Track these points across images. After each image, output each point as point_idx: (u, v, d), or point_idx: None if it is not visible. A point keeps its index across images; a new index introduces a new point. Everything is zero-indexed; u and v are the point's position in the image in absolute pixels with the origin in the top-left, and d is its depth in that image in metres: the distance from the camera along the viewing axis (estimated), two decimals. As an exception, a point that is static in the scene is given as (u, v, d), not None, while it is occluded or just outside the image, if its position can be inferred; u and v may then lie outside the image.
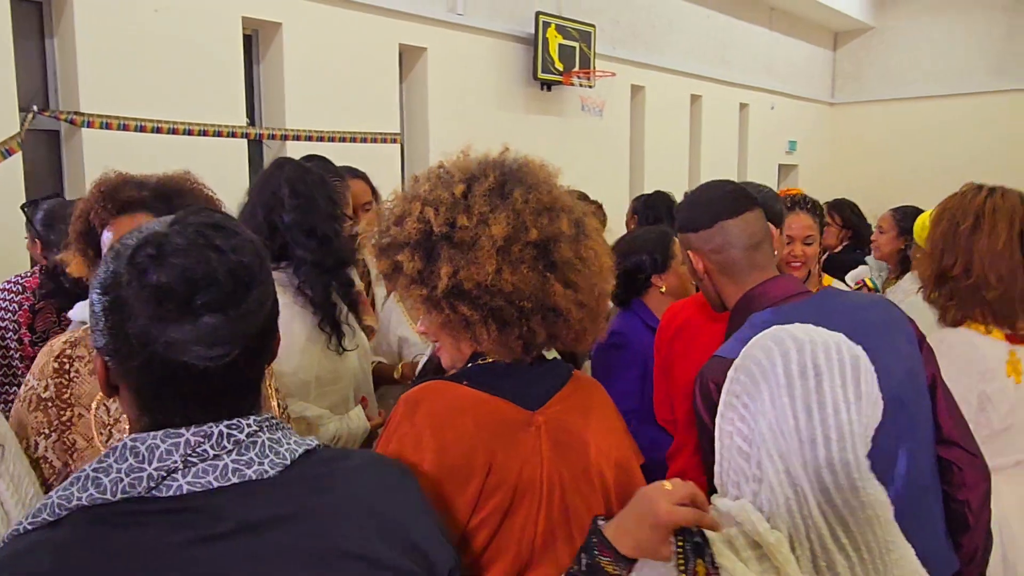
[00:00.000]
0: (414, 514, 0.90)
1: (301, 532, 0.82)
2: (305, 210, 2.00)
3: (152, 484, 0.79)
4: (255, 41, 6.39)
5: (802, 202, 2.56)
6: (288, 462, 0.85)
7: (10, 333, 2.62)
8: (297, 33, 6.31)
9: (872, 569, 0.97)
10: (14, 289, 2.68)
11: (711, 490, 1.09)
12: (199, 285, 0.77)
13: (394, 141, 7.19)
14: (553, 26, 8.52)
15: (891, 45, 15.04)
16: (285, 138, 6.30)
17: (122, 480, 0.79)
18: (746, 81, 12.64)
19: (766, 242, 1.57)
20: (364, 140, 6.83)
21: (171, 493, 0.80)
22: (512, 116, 8.43)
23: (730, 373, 1.09)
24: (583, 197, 4.22)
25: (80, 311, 1.90)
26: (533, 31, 8.36)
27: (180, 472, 0.80)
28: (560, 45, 8.61)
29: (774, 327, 1.10)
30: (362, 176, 2.92)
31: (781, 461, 0.96)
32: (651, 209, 4.13)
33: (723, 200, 1.60)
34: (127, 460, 0.80)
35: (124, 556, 0.76)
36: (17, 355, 2.63)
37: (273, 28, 6.25)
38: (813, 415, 0.95)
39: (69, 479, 0.80)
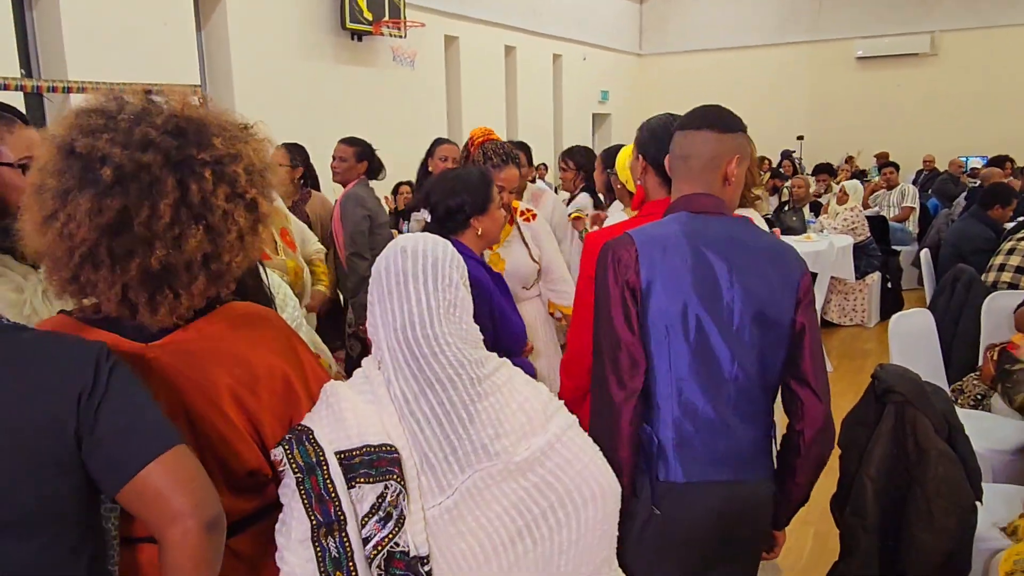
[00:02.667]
0: (66, 368, 1.07)
1: None
2: None
3: None
4: (25, -16, 5.88)
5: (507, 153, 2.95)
6: None
7: None
8: (74, -24, 5.87)
9: (456, 416, 1.30)
10: None
11: None
12: None
13: (194, 92, 6.88)
14: (360, -26, 8.40)
15: (692, 1, 16.00)
16: (68, 91, 5.87)
17: None
18: (559, 33, 13.04)
19: (702, 161, 1.70)
20: (161, 92, 6.49)
21: None
22: (321, 67, 8.29)
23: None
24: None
25: None
26: (339, -21, 8.21)
27: None
28: (368, -6, 8.52)
29: (398, 238, 1.45)
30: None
31: (385, 344, 1.34)
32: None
33: (696, 113, 1.76)
34: None
35: None
36: None
37: (45, -30, 5.78)
38: (402, 307, 1.34)
39: None
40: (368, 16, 8.53)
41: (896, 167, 9.22)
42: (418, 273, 1.35)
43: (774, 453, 1.78)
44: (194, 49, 6.99)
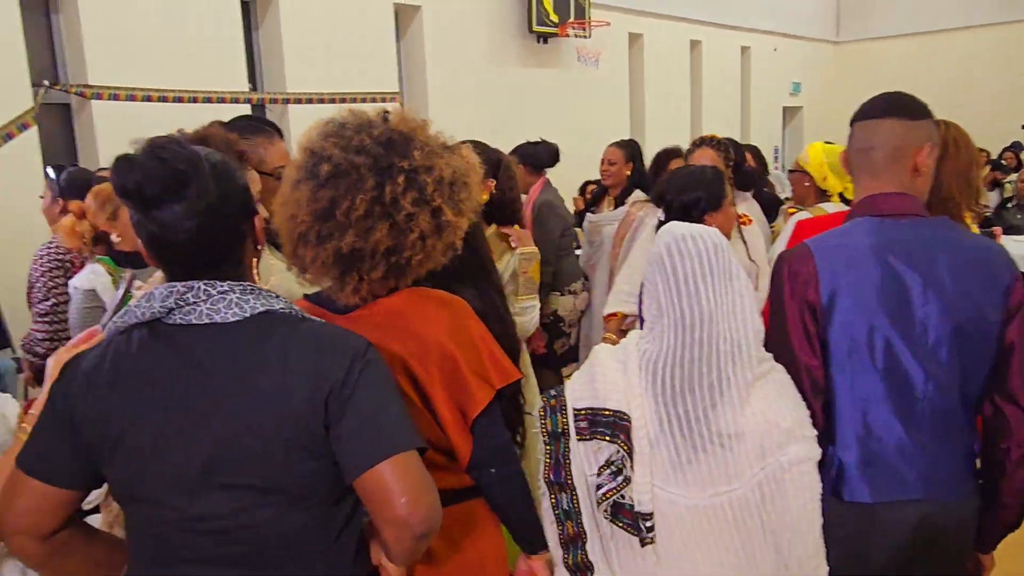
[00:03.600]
0: (328, 361, 1.18)
1: (239, 366, 1.16)
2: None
3: (161, 314, 1.18)
4: (253, 8, 6.56)
5: (709, 141, 3.07)
6: (247, 316, 1.18)
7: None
8: (293, -2, 6.48)
9: (702, 402, 1.43)
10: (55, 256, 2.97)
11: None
12: (147, 186, 1.11)
13: (393, 99, 7.37)
14: (547, -22, 8.59)
15: (896, -20, 14.83)
16: (287, 102, 6.51)
17: (142, 311, 1.19)
18: (747, 24, 12.59)
19: (887, 152, 1.55)
20: (364, 100, 7.02)
21: (171, 322, 1.18)
22: (508, 70, 8.57)
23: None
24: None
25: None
26: (526, -16, 8.44)
27: (176, 311, 1.17)
28: (554, -3, 8.69)
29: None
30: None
31: (666, 332, 1.46)
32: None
33: (877, 100, 1.62)
34: (146, 300, 1.20)
35: (147, 356, 1.18)
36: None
37: (269, -6, 6.43)
38: (691, 307, 1.44)
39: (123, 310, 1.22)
40: (554, 18, 8.70)
41: None
42: (707, 273, 1.44)
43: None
44: (394, 59, 7.49)
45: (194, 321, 1.17)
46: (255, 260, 1.30)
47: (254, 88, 6.54)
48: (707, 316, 1.41)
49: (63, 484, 1.19)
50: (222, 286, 1.18)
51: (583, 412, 1.50)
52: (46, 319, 2.99)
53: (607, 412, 1.47)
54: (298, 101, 6.55)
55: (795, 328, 1.56)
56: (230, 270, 1.22)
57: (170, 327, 1.18)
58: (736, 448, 1.41)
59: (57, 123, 5.56)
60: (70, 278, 2.84)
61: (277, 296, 1.23)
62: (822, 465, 1.50)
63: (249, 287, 1.21)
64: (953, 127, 2.23)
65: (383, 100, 7.22)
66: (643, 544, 1.46)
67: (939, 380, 1.53)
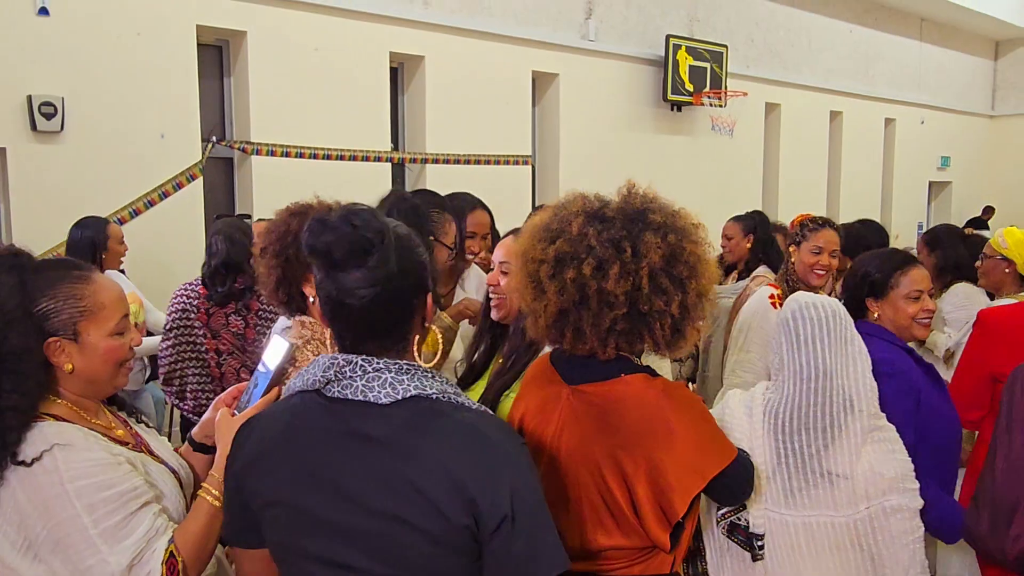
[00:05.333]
0: (481, 473, 1.13)
1: (385, 454, 1.16)
2: None
3: (320, 385, 1.21)
4: (400, 73, 6.98)
5: (829, 222, 3.13)
6: (399, 398, 1.17)
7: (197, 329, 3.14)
8: (438, 65, 6.84)
9: (816, 444, 1.70)
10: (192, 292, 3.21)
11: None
12: (335, 249, 1.16)
13: (526, 163, 7.58)
14: (684, 48, 8.66)
15: (1061, 53, 13.98)
16: (425, 161, 6.83)
17: (307, 379, 1.23)
18: (892, 95, 12.16)
19: None
20: (498, 163, 7.26)
21: (330, 394, 1.21)
22: (641, 137, 8.63)
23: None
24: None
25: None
26: (663, 54, 8.54)
27: (334, 383, 1.20)
28: (690, 66, 8.73)
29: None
30: (483, 207, 3.12)
31: (787, 385, 1.76)
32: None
33: None
34: (311, 369, 1.24)
35: (302, 422, 1.22)
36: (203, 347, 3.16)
37: (417, 61, 6.81)
38: (810, 362, 1.72)
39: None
40: (689, 87, 8.74)
41: None
42: (824, 335, 1.70)
43: None
44: (528, 123, 7.72)
45: (350, 396, 1.19)
46: (417, 336, 1.29)
47: (396, 148, 6.90)
48: (823, 371, 1.68)
49: (263, 543, 1.27)
50: (378, 363, 1.20)
51: None
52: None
53: None
54: (435, 161, 6.85)
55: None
56: (394, 344, 1.23)
57: (330, 399, 1.21)
58: (842, 486, 1.67)
59: (220, 175, 6.06)
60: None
61: (434, 376, 1.23)
62: None
63: (405, 366, 1.21)
64: None
65: (517, 163, 7.44)
66: (754, 560, 1.71)
67: None
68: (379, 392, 1.18)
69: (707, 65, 8.88)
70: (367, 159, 6.36)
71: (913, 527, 1.69)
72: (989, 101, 14.69)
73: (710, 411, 1.57)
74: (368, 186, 6.09)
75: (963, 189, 13.86)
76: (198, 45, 5.53)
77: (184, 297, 3.21)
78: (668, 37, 8.54)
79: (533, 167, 7.83)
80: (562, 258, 1.42)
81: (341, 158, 6.19)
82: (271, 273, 1.93)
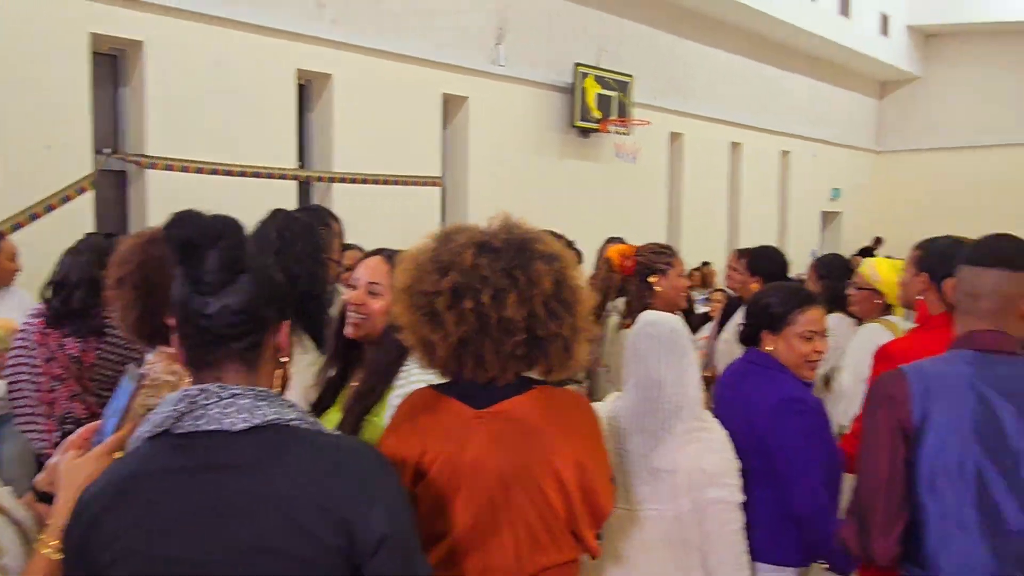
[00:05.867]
0: (353, 493, 1.11)
1: (244, 480, 1.10)
2: (282, 251, 2.22)
3: (170, 424, 1.13)
4: (308, 91, 6.86)
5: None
6: (256, 423, 1.11)
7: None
8: (347, 84, 6.76)
9: (649, 440, 1.92)
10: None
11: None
12: (195, 236, 1.12)
13: (435, 184, 7.56)
14: (592, 76, 8.87)
15: (937, 95, 15.06)
16: (332, 180, 6.71)
17: (155, 421, 1.14)
18: (788, 129, 12.80)
19: (994, 302, 1.62)
20: (406, 183, 7.20)
21: (180, 431, 1.13)
22: (549, 161, 8.76)
23: None
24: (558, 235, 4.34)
25: None
26: (571, 81, 8.72)
27: (187, 415, 1.13)
28: (598, 95, 8.94)
29: None
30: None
31: (631, 394, 2.00)
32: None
33: (984, 248, 1.69)
34: (161, 408, 1.15)
35: (148, 467, 1.14)
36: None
37: (324, 79, 6.71)
38: (647, 375, 1.94)
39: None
40: (597, 114, 8.94)
41: None
42: (660, 350, 1.89)
43: None
44: (438, 145, 7.72)
45: (203, 427, 1.12)
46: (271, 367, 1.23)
47: (302, 166, 6.76)
48: (656, 380, 1.88)
49: None
50: (234, 389, 1.14)
51: None
52: None
53: None
54: (342, 180, 6.75)
55: (883, 451, 1.59)
56: (248, 370, 1.18)
57: (180, 435, 1.13)
58: (667, 480, 1.87)
59: (112, 190, 5.78)
60: None
61: (292, 405, 1.18)
62: None
63: (262, 393, 1.16)
64: None
65: (425, 184, 7.41)
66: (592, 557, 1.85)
67: None
68: (235, 418, 1.12)
69: (614, 94, 9.12)
70: (271, 176, 6.20)
71: (732, 519, 1.86)
72: (874, 137, 15.66)
73: None
74: (272, 204, 5.89)
75: (853, 219, 14.67)
76: (93, 54, 5.28)
77: (26, 320, 2.94)
78: (576, 65, 8.73)
79: (443, 189, 7.82)
80: (458, 289, 1.43)
81: (243, 175, 6.00)
82: (132, 306, 1.81)
